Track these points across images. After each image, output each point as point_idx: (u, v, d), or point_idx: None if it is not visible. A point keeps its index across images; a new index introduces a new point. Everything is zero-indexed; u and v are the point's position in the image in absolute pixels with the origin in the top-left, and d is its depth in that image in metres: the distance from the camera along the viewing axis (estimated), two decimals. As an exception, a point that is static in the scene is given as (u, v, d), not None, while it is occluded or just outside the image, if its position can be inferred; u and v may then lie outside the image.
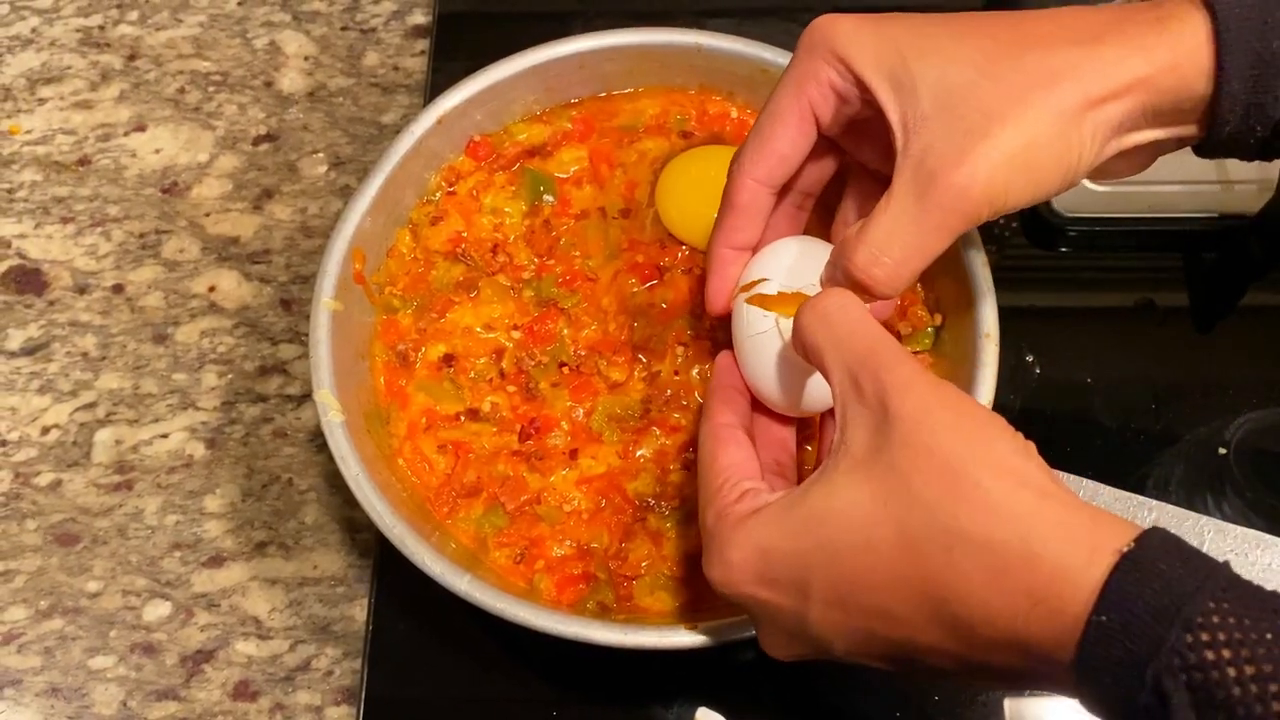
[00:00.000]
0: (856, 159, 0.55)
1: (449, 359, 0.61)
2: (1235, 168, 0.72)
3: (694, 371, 0.60)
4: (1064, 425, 0.67)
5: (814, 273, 0.51)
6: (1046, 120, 0.46)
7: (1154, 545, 0.37)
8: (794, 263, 0.53)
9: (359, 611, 0.65)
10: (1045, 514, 0.39)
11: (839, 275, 0.49)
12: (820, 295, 0.47)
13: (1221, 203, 0.71)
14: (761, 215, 0.54)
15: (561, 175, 0.64)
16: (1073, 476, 0.54)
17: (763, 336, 0.51)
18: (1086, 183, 0.72)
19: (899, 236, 0.47)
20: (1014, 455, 0.40)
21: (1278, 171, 0.68)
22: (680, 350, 0.60)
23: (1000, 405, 0.56)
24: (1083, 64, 0.46)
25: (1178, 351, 0.70)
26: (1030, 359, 0.68)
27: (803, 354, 0.47)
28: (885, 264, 0.47)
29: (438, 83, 0.76)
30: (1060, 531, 0.38)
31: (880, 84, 0.48)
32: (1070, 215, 0.71)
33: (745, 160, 0.52)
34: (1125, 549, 0.37)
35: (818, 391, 0.52)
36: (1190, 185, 0.71)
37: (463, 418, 0.60)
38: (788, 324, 0.49)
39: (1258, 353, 0.70)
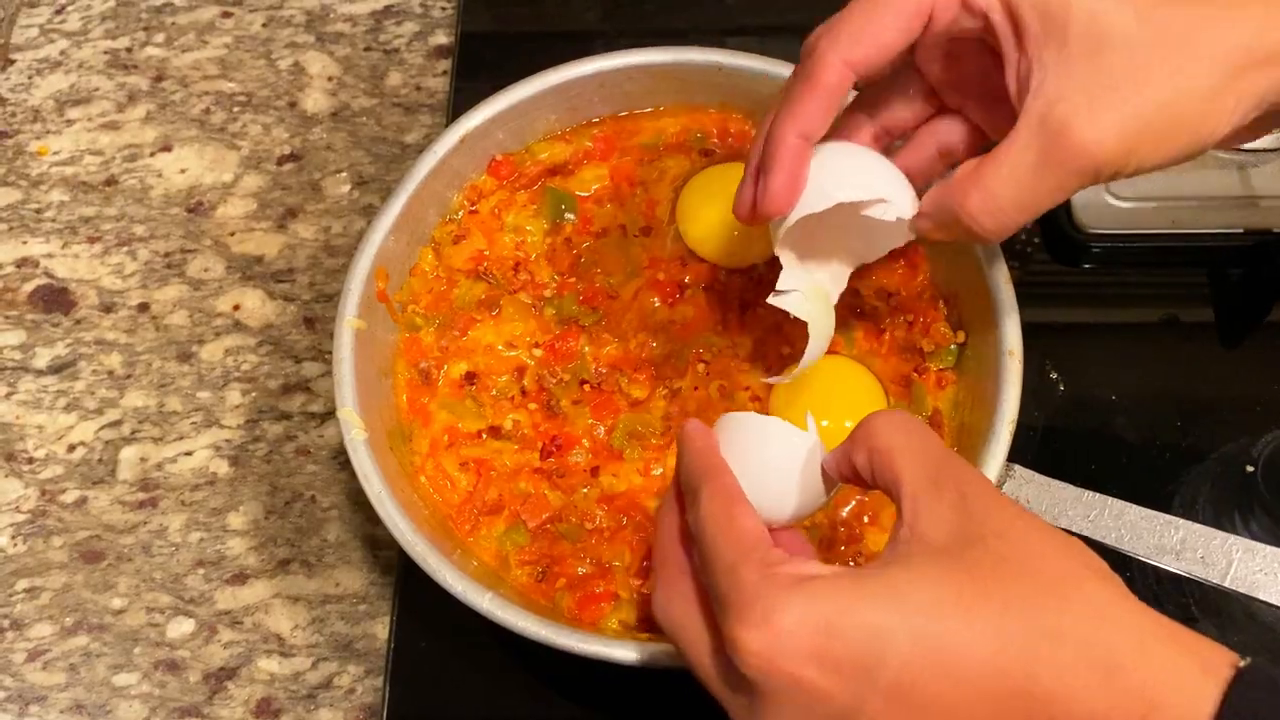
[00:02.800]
0: (937, 88, 0.51)
1: (471, 376, 0.61)
2: (1261, 183, 0.71)
3: (714, 387, 0.60)
4: (1088, 442, 0.67)
5: (874, 184, 0.49)
6: (1195, 84, 0.42)
7: (1262, 667, 0.36)
8: (853, 174, 0.49)
9: (381, 629, 0.65)
10: (1151, 622, 0.37)
11: (943, 215, 0.47)
12: (892, 411, 0.46)
13: (1247, 218, 0.71)
14: (838, 104, 0.47)
15: (583, 194, 0.65)
16: (1099, 495, 0.54)
17: (792, 445, 0.46)
18: (1110, 199, 0.72)
19: (1014, 188, 0.45)
20: (1108, 571, 0.38)
21: (1304, 187, 0.67)
22: (701, 367, 0.60)
23: (1024, 423, 0.56)
24: (1244, 23, 0.43)
25: (1203, 368, 0.69)
26: (1054, 376, 0.68)
27: (863, 457, 0.42)
28: (997, 214, 0.45)
29: (460, 102, 0.76)
30: (1170, 640, 0.36)
31: (1028, 9, 0.43)
32: (1094, 231, 0.71)
33: (841, 38, 0.46)
34: (1241, 665, 0.36)
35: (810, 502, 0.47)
36: (1215, 201, 0.71)
37: (484, 435, 0.60)
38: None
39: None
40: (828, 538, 0.57)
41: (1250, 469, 0.65)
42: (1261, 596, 0.50)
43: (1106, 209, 0.71)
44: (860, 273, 0.61)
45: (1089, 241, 0.71)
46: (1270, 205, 0.71)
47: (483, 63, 0.81)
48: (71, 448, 0.70)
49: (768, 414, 0.59)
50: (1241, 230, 0.70)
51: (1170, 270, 0.72)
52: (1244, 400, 0.68)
